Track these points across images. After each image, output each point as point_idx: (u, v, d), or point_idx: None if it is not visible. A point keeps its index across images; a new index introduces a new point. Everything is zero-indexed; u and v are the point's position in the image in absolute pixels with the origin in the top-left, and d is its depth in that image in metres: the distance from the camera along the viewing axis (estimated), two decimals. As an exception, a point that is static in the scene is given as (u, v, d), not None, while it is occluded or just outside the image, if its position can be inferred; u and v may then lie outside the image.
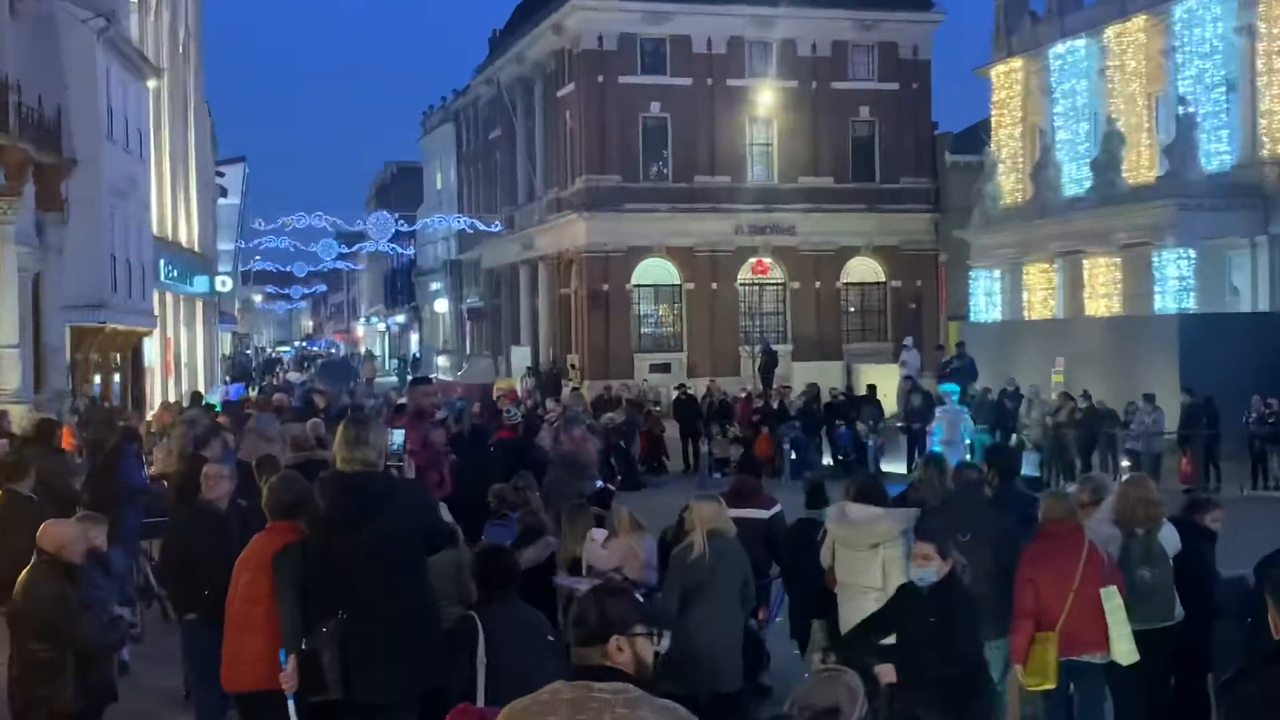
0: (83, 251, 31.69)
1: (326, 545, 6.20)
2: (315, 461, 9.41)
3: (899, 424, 26.33)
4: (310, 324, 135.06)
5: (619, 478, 20.15)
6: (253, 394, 34.14)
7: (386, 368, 71.86)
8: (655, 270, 43.59)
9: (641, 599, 7.88)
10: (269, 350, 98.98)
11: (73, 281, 31.68)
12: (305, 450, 10.89)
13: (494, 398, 28.22)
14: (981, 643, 6.74)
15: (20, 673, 6.88)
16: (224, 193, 56.16)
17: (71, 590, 6.80)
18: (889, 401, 28.00)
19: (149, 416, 23.54)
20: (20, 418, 19.82)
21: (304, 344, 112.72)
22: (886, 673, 6.33)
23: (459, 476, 10.09)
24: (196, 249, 47.85)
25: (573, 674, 3.57)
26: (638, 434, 25.29)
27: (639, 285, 43.62)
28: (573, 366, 42.79)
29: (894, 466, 23.51)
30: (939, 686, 6.33)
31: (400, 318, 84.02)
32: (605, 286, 42.90)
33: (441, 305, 68.27)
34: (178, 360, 44.96)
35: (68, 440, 16.08)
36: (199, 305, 49.29)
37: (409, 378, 60.97)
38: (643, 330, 43.83)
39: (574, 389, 35.17)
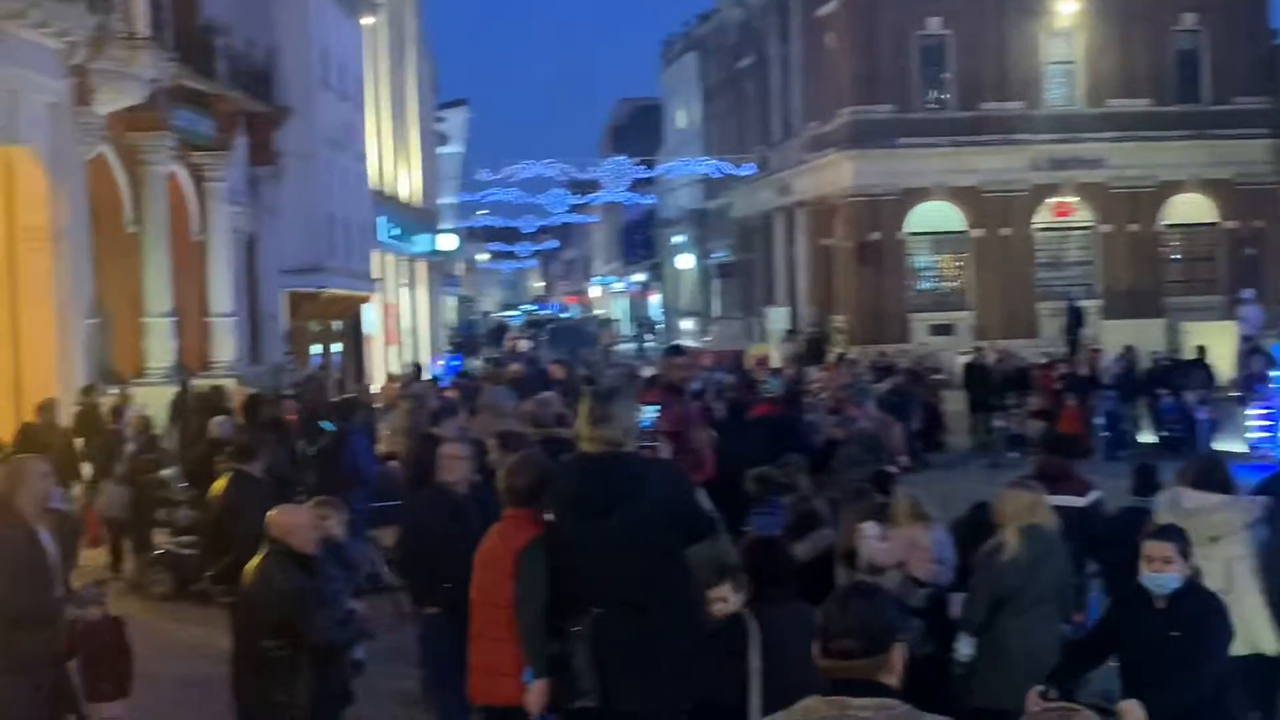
0: (298, 210, 33.07)
1: (572, 534, 6.36)
2: (556, 441, 9.64)
3: (1236, 393, 25.34)
4: (539, 285, 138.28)
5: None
6: (478, 364, 35.09)
7: (625, 333, 72.94)
8: (934, 215, 42.90)
9: (934, 600, 8.02)
10: (494, 315, 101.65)
11: (288, 243, 33.20)
12: (545, 428, 11.15)
13: (747, 367, 28.32)
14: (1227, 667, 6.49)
15: (249, 672, 7.24)
16: (445, 140, 57.87)
17: (307, 583, 7.11)
18: (1223, 365, 27.09)
19: (373, 390, 24.55)
20: (238, 393, 20.94)
21: (532, 307, 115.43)
22: (1133, 712, 6.00)
23: (718, 459, 10.18)
24: (418, 204, 49.46)
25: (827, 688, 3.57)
26: (917, 407, 24.99)
27: (915, 233, 43.01)
28: (838, 330, 42.53)
29: (1230, 444, 22.63)
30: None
31: (639, 276, 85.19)
32: (875, 235, 42.45)
33: (686, 261, 68.84)
34: (399, 327, 46.42)
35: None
36: (421, 266, 50.96)
37: (646, 344, 61.98)
38: (920, 286, 43.25)
39: (840, 355, 34.99)
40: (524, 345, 47.33)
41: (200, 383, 24.64)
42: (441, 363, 30.56)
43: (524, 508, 6.77)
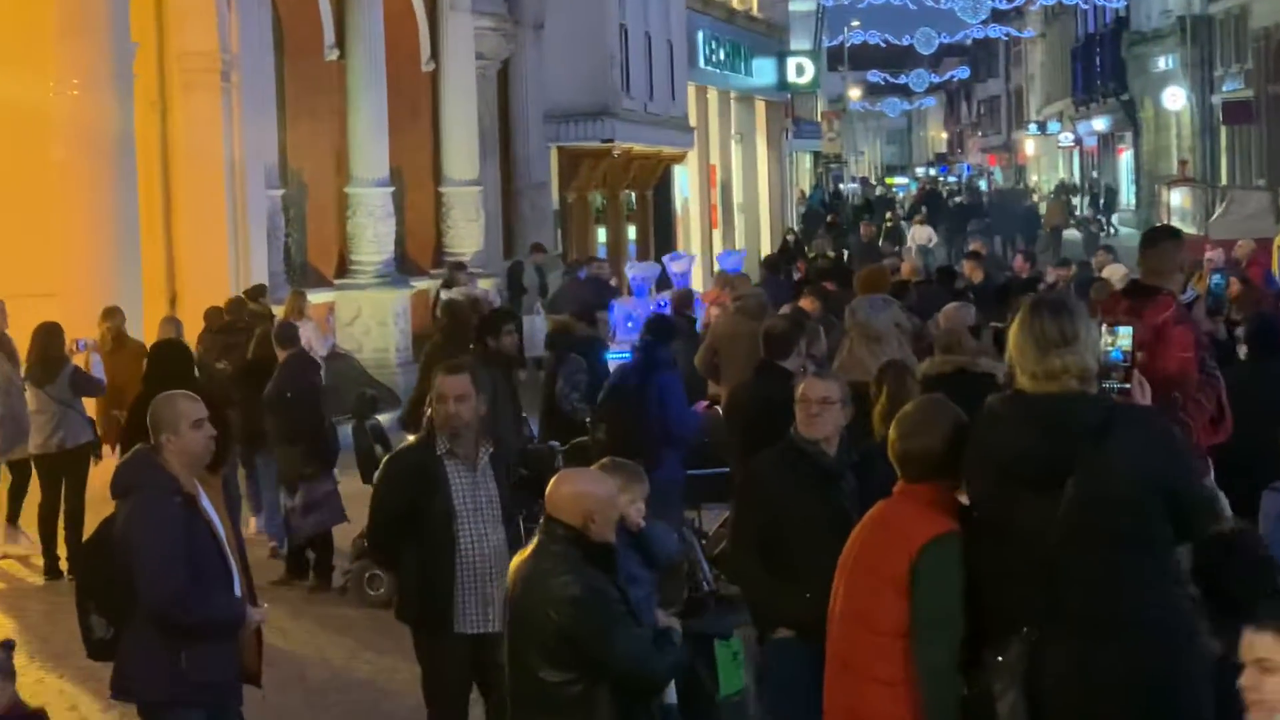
0: (574, 25, 33.57)
1: (1001, 515, 6.43)
2: (972, 376, 9.73)
3: None
4: (942, 136, 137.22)
5: None
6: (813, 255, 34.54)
7: (1080, 211, 71.82)
8: None
9: None
10: (874, 184, 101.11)
11: (560, 74, 33.46)
12: (954, 356, 11.16)
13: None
14: None
15: (516, 710, 7.43)
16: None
17: (607, 587, 7.29)
18: None
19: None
20: (482, 301, 21.36)
21: (932, 171, 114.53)
22: None
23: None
24: (754, 12, 49.41)
25: None
26: None
27: None
28: None
29: None
30: None
31: (1099, 123, 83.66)
32: None
33: (1175, 98, 67.19)
34: (725, 200, 46.75)
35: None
36: (760, 108, 50.84)
37: (1110, 228, 60.30)
38: None
39: None
40: (920, 234, 46.84)
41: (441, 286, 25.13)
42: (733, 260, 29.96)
43: (927, 482, 6.79)
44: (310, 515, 15.58)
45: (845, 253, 38.41)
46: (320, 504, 15.58)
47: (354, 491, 15.41)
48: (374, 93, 26.39)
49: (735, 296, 18.61)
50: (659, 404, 13.90)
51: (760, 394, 11.82)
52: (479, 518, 9.40)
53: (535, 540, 7.44)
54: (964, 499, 6.70)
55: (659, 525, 8.89)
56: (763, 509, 8.88)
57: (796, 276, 25.91)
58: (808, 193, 68.65)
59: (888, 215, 59.37)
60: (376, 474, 10.24)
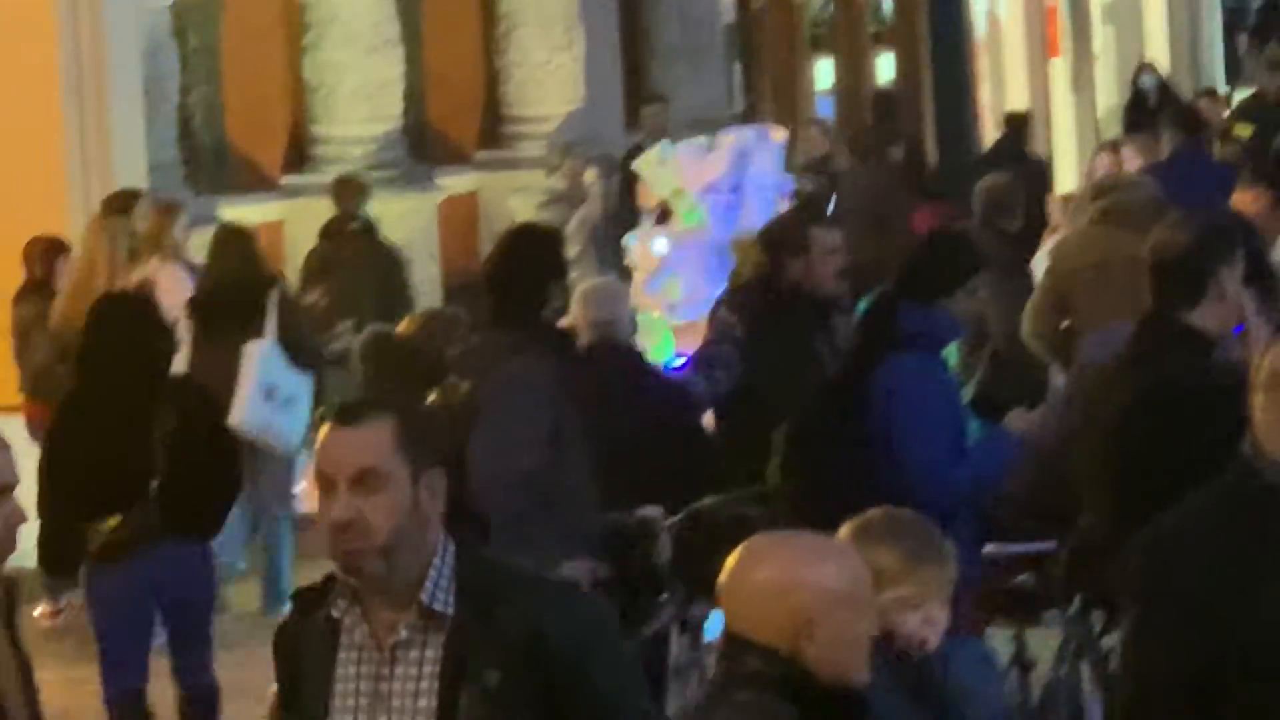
0: None
1: None
2: None
3: None
4: None
5: None
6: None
7: None
8: None
9: None
10: None
11: None
12: None
13: None
14: None
15: None
16: None
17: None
18: None
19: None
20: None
21: None
22: None
23: None
24: None
25: None
26: None
27: None
28: None
29: None
30: None
31: None
32: None
33: None
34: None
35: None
36: None
37: None
38: None
39: None
40: None
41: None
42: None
43: None
44: None
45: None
46: None
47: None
48: None
49: (1097, 190, 18.84)
50: (895, 423, 13.15)
51: (1153, 386, 11.49)
52: None
53: (709, 682, 7.47)
54: None
55: (972, 657, 9.47)
56: (1202, 626, 7.62)
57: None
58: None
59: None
60: None
